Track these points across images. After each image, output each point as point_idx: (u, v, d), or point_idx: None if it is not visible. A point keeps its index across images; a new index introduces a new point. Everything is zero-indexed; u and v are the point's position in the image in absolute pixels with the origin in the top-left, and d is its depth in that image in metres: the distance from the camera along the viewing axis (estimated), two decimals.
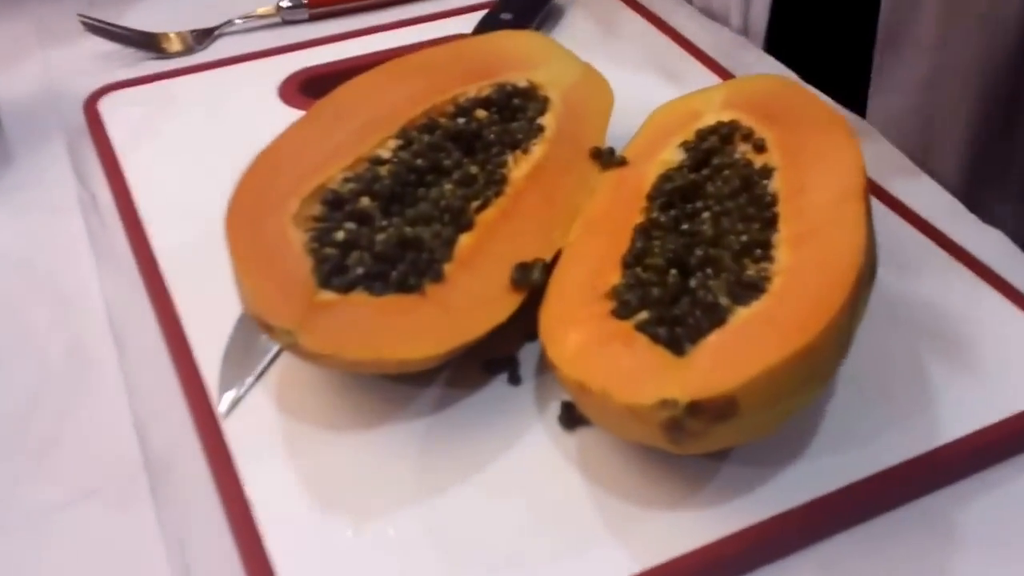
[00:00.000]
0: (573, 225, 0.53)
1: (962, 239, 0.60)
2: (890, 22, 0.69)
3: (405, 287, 0.48)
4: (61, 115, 0.73)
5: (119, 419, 0.51)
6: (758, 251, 0.48)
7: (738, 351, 0.43)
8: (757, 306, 0.45)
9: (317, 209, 0.51)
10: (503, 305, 0.49)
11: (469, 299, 0.49)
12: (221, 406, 0.50)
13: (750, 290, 0.46)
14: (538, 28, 0.80)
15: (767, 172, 0.52)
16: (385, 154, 0.54)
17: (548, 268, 0.51)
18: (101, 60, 0.79)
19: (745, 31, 0.81)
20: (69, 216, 0.64)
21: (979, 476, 0.49)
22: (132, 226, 0.61)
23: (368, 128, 0.55)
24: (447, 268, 0.50)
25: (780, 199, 0.50)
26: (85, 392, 0.53)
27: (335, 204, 0.51)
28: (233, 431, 0.49)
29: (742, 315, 0.45)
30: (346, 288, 0.48)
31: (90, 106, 0.72)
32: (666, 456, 0.46)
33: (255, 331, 0.53)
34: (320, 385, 0.51)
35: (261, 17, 0.83)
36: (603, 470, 0.47)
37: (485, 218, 0.52)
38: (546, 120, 0.58)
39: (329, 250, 0.49)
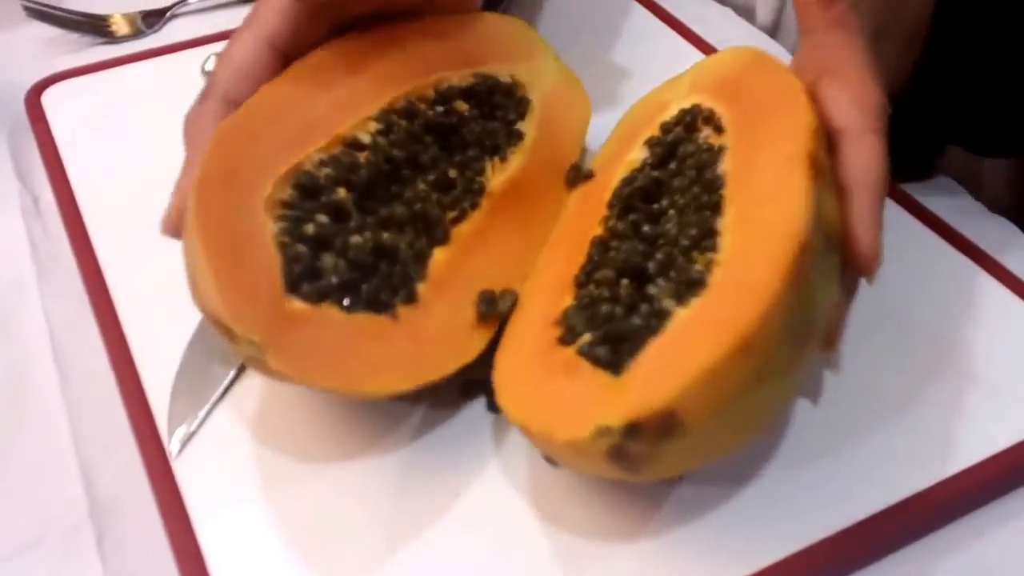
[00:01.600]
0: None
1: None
2: None
3: (377, 304, 0.45)
4: (1, 108, 0.68)
5: (62, 457, 0.47)
6: (705, 242, 0.43)
7: (673, 358, 0.39)
8: (696, 304, 0.41)
9: (288, 193, 0.46)
10: (473, 342, 0.46)
11: (440, 330, 0.46)
12: (171, 444, 0.46)
13: (692, 287, 0.41)
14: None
15: (718, 153, 0.47)
16: (364, 138, 0.50)
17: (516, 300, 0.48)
18: (45, 47, 0.74)
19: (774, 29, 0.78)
20: (9, 222, 0.60)
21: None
22: (77, 236, 0.57)
23: (348, 102, 0.50)
24: (420, 288, 0.46)
25: (728, 181, 0.45)
26: (23, 426, 0.49)
27: (308, 190, 0.47)
28: (185, 471, 0.45)
29: (681, 317, 0.40)
30: (317, 297, 0.44)
31: (32, 98, 0.67)
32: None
33: (207, 354, 0.50)
34: (279, 417, 0.48)
35: None
36: (580, 500, 0.44)
37: (460, 232, 0.49)
38: (526, 127, 0.55)
39: (300, 247, 0.44)
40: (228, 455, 0.46)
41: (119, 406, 0.48)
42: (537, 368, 0.43)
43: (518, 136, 0.54)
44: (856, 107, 0.45)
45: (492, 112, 0.55)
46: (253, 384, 0.49)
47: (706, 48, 0.72)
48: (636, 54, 0.71)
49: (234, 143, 0.45)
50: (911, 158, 0.60)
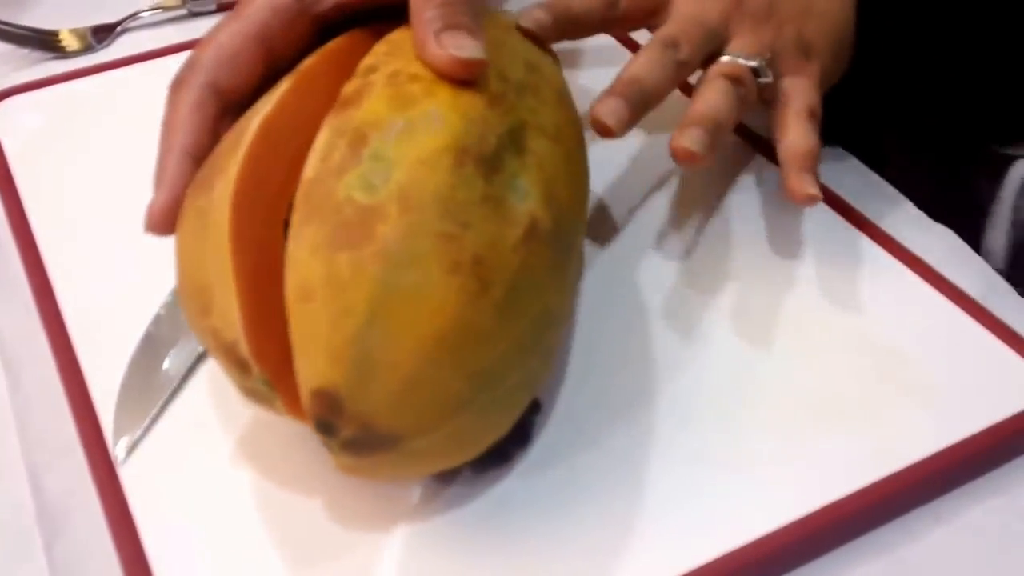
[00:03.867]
0: None
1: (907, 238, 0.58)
2: None
3: None
4: None
5: (10, 464, 0.48)
6: None
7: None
8: None
9: None
10: None
11: None
12: (117, 450, 0.47)
13: None
14: None
15: None
16: None
17: None
18: None
19: None
20: None
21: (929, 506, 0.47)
22: (26, 247, 0.57)
23: None
24: None
25: None
26: None
27: None
28: (131, 478, 0.46)
29: None
30: None
31: None
32: None
33: (154, 363, 0.50)
34: (227, 425, 0.48)
35: (167, 9, 0.79)
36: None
37: None
38: None
39: None
40: (174, 462, 0.47)
41: (67, 414, 0.49)
42: None
43: None
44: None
45: None
46: (200, 392, 0.50)
47: None
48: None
49: (266, 152, 0.42)
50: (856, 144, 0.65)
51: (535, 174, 0.42)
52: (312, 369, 0.37)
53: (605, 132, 0.50)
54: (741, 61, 0.54)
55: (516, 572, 0.43)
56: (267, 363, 0.39)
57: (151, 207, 0.44)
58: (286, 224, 0.40)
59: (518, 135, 0.42)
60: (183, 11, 0.79)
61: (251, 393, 0.40)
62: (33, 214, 0.60)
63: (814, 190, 0.52)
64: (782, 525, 0.44)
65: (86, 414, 0.48)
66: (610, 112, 0.50)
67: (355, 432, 0.38)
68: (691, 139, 0.50)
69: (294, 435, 0.47)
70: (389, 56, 0.44)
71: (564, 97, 0.48)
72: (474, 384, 0.39)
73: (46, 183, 0.62)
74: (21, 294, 0.55)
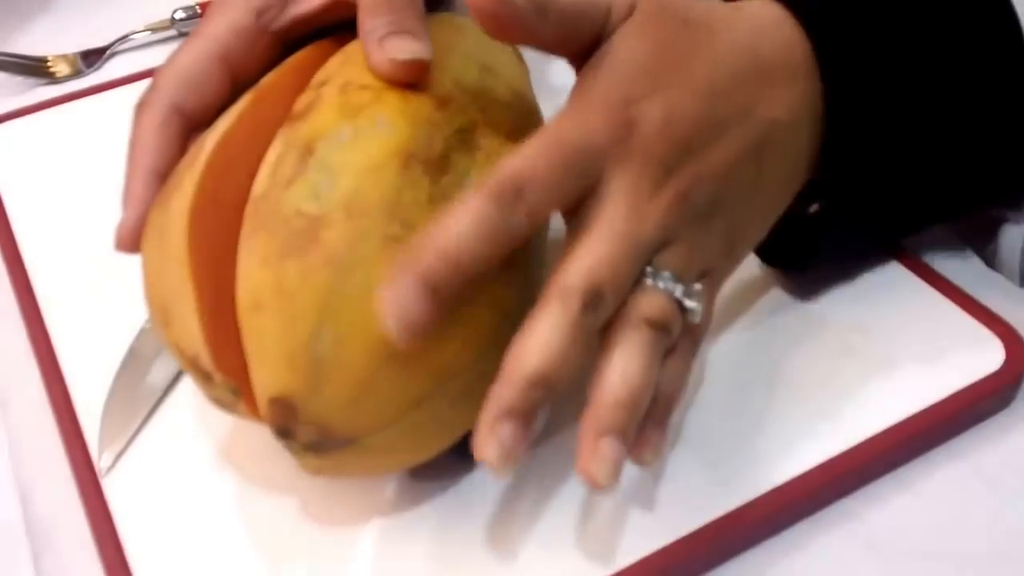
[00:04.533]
0: None
1: None
2: None
3: None
4: None
5: (1, 480, 0.49)
6: None
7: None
8: None
9: None
10: None
11: None
12: (102, 462, 0.48)
13: None
14: None
15: None
16: None
17: None
18: None
19: None
20: None
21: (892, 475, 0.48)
22: (15, 269, 0.59)
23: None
24: None
25: None
26: None
27: None
28: (115, 490, 0.47)
29: None
30: None
31: None
32: None
33: (137, 378, 0.51)
34: (211, 436, 0.49)
35: (155, 31, 0.80)
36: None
37: None
38: None
39: None
40: (157, 473, 0.48)
41: (55, 431, 0.50)
42: None
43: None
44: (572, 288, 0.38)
45: None
46: (183, 404, 0.51)
47: None
48: None
49: (222, 168, 0.43)
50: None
51: (486, 169, 0.42)
52: (267, 378, 0.38)
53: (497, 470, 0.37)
54: (670, 289, 0.40)
55: (491, 563, 0.44)
56: (230, 372, 0.40)
57: (119, 226, 0.45)
58: None
59: (468, 135, 0.43)
60: (172, 32, 0.80)
61: (217, 401, 0.41)
62: (22, 237, 0.61)
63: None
64: (748, 500, 0.45)
65: (72, 428, 0.50)
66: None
67: (313, 436, 0.39)
68: (602, 467, 0.37)
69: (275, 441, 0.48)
70: (343, 67, 0.44)
71: (522, 96, 0.49)
72: (429, 379, 0.39)
73: (35, 206, 0.64)
74: (12, 318, 0.57)
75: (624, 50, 0.42)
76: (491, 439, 0.36)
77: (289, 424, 0.39)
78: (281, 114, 0.44)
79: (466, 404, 0.42)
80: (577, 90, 0.43)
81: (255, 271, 0.39)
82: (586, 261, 0.38)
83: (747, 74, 0.44)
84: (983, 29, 0.48)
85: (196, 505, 0.47)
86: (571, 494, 0.46)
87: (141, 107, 0.47)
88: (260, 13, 0.47)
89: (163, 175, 0.45)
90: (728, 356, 0.51)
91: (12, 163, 0.67)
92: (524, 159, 0.38)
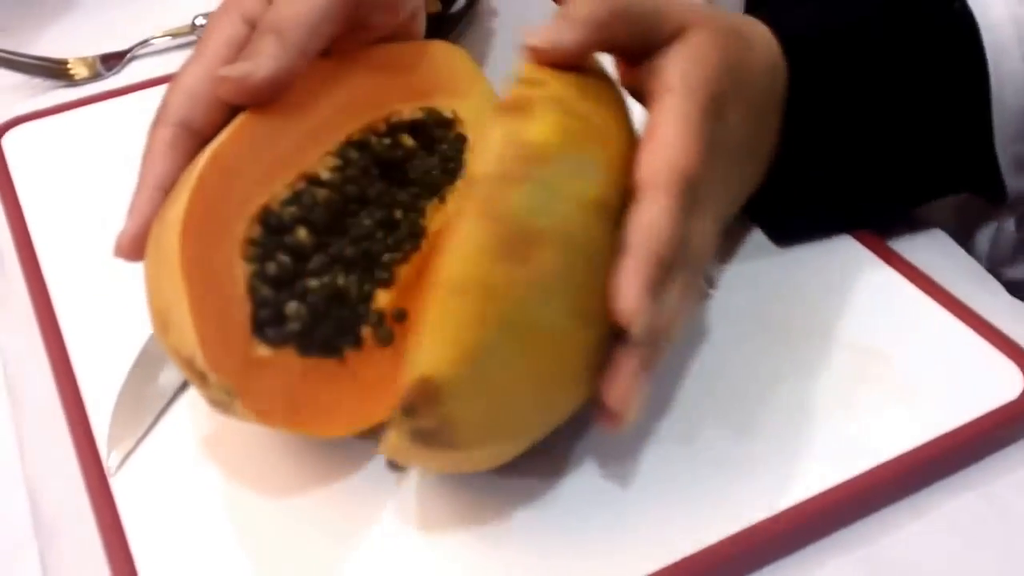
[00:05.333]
0: None
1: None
2: None
3: (328, 348, 0.46)
4: None
5: (10, 479, 0.49)
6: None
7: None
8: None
9: (258, 233, 0.47)
10: None
11: (383, 374, 0.47)
12: (110, 461, 0.48)
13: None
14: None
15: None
16: (324, 174, 0.50)
17: None
18: (7, 93, 0.76)
19: None
20: None
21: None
22: (31, 271, 0.59)
23: (312, 136, 0.50)
24: (365, 331, 0.47)
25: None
26: None
27: (274, 229, 0.47)
28: (123, 490, 0.47)
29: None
30: (280, 341, 0.45)
31: None
32: None
33: (148, 379, 0.51)
34: (218, 438, 0.49)
35: (175, 36, 0.80)
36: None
37: (402, 274, 0.50)
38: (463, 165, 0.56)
39: (266, 291, 0.45)
40: (165, 474, 0.48)
41: (65, 430, 0.50)
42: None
43: (454, 175, 0.55)
44: (663, 167, 0.43)
45: (432, 147, 0.55)
46: (192, 406, 0.51)
47: None
48: None
49: (215, 181, 0.45)
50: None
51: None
52: (432, 357, 0.39)
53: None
54: None
55: (491, 564, 0.44)
56: (225, 372, 0.41)
57: (119, 234, 0.46)
58: (249, 242, 0.45)
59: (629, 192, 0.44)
60: (192, 38, 0.81)
61: (213, 402, 0.42)
62: (38, 237, 0.61)
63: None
64: (761, 520, 0.45)
65: (82, 428, 0.50)
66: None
67: (432, 427, 0.40)
68: (637, 313, 0.41)
69: (284, 447, 0.48)
70: (553, 75, 0.46)
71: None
72: (544, 419, 0.44)
73: (51, 208, 0.64)
74: (26, 320, 0.57)
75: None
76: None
77: (421, 407, 0.39)
78: (278, 127, 0.48)
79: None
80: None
81: (473, 254, 0.39)
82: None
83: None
84: (942, 48, 0.54)
85: (203, 506, 0.46)
86: (567, 509, 0.46)
87: (154, 124, 0.48)
88: (253, 24, 0.49)
89: (168, 190, 0.47)
90: (744, 377, 0.51)
91: (30, 164, 0.67)
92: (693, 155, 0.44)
